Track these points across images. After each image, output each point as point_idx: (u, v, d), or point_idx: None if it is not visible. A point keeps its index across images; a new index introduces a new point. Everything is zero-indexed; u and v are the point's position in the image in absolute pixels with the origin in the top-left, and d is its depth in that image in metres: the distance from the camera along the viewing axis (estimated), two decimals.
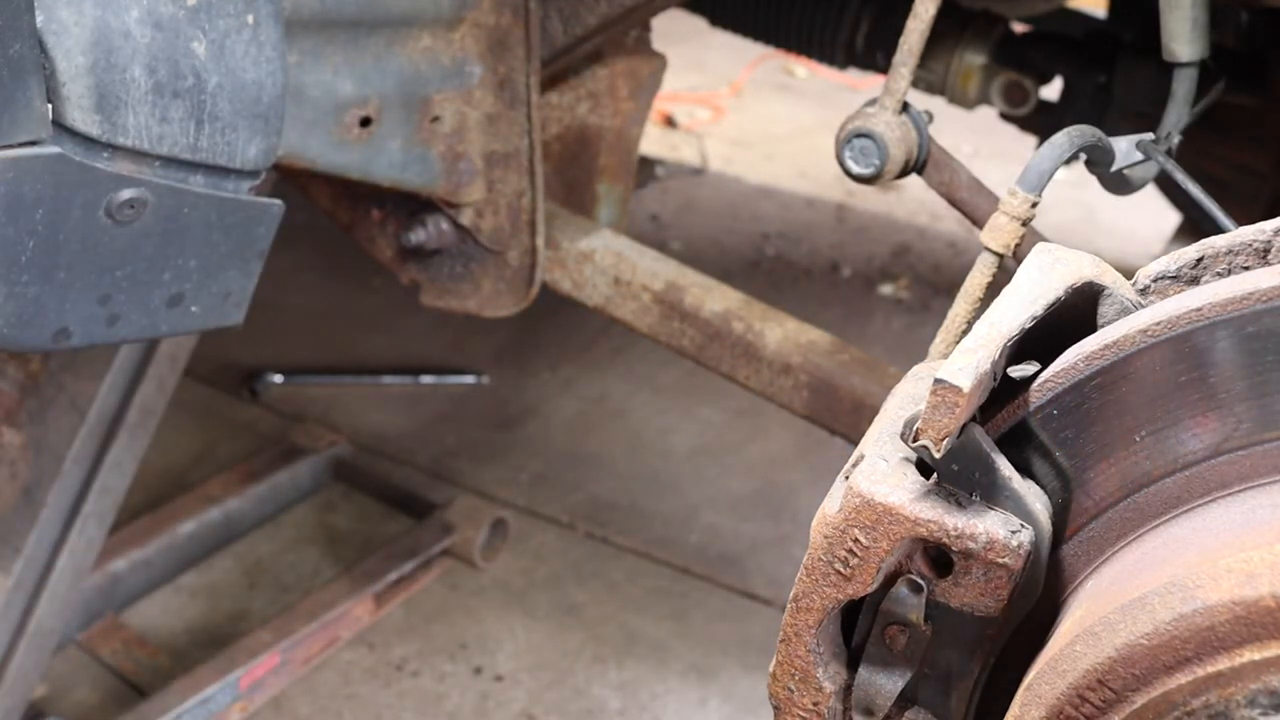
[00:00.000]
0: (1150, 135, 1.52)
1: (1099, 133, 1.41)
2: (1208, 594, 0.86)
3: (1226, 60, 2.19)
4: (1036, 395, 0.98)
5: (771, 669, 1.06)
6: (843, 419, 1.96)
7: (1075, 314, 1.00)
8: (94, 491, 2.17)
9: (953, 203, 1.71)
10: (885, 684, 1.03)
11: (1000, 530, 0.94)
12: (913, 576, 0.98)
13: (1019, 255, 1.35)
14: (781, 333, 2.00)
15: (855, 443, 1.31)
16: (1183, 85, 1.64)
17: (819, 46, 2.77)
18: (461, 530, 2.88)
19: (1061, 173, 1.39)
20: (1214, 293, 0.94)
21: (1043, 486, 0.99)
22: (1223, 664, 0.86)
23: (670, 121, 5.25)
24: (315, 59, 1.74)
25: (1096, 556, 1.00)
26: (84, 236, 1.34)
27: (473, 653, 2.67)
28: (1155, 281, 1.01)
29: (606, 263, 2.13)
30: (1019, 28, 2.75)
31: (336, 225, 2.20)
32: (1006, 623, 0.99)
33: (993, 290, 1.15)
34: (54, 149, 1.27)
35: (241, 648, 2.52)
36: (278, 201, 1.50)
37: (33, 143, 1.26)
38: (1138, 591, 0.90)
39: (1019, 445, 0.99)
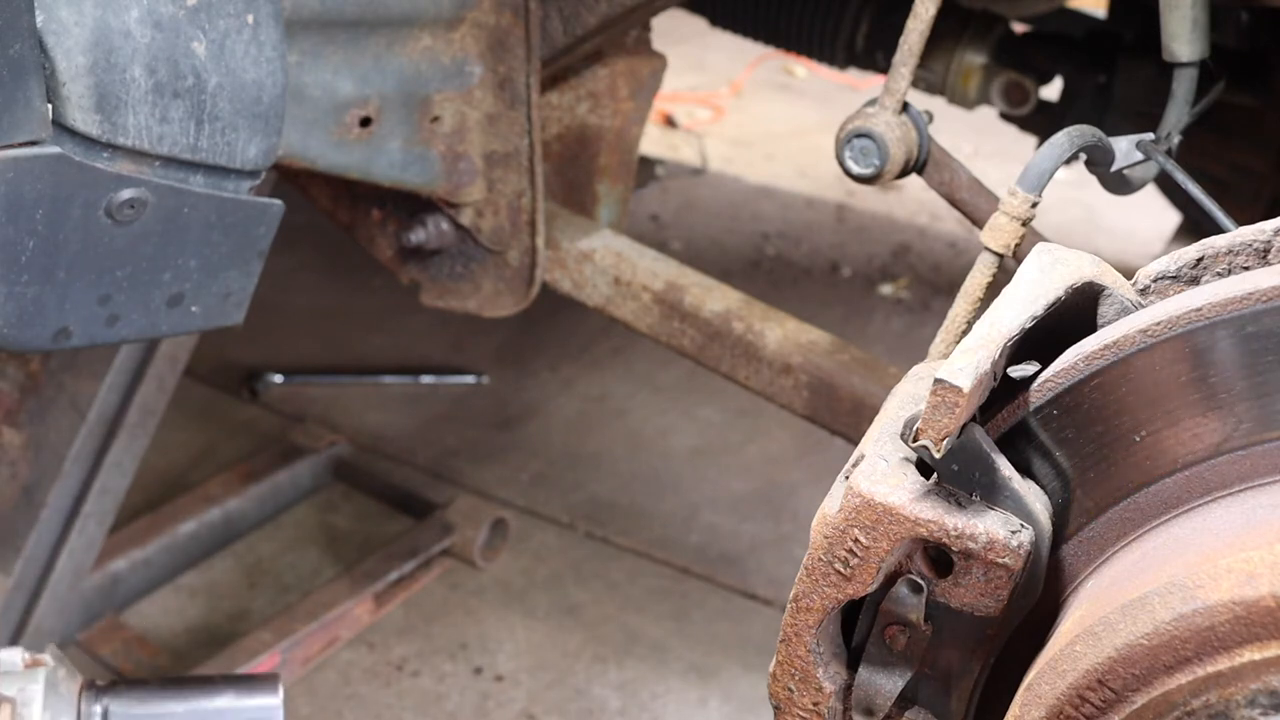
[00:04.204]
0: (1150, 135, 1.52)
1: (1099, 133, 1.41)
2: (1208, 594, 0.86)
3: (1226, 60, 2.19)
4: (1036, 395, 0.98)
5: (771, 669, 1.06)
6: (843, 419, 1.96)
7: (1075, 314, 1.00)
8: (94, 491, 2.17)
9: (953, 203, 1.71)
10: (885, 684, 1.03)
11: (1000, 530, 0.94)
12: (913, 576, 0.98)
13: (1019, 255, 1.35)
14: (781, 333, 2.00)
15: (855, 443, 1.31)
16: (1183, 85, 1.64)
17: (819, 46, 2.77)
18: (461, 530, 2.88)
19: (1061, 173, 1.39)
20: (1214, 293, 0.94)
21: (1043, 486, 0.99)
22: (1223, 664, 0.86)
23: (670, 121, 5.25)
24: (315, 59, 1.74)
25: (1096, 556, 1.00)
26: (84, 236, 1.34)
27: (473, 653, 2.67)
28: (1155, 281, 1.01)
29: (606, 263, 2.13)
30: (1019, 28, 2.75)
31: (336, 225, 2.21)
32: (1006, 623, 0.99)
33: (993, 290, 1.15)
34: (54, 149, 1.27)
35: (241, 648, 2.52)
36: (278, 201, 1.50)
37: (33, 143, 1.26)
38: (1138, 591, 0.90)
39: (1019, 445, 0.99)
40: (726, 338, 2.03)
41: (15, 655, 1.31)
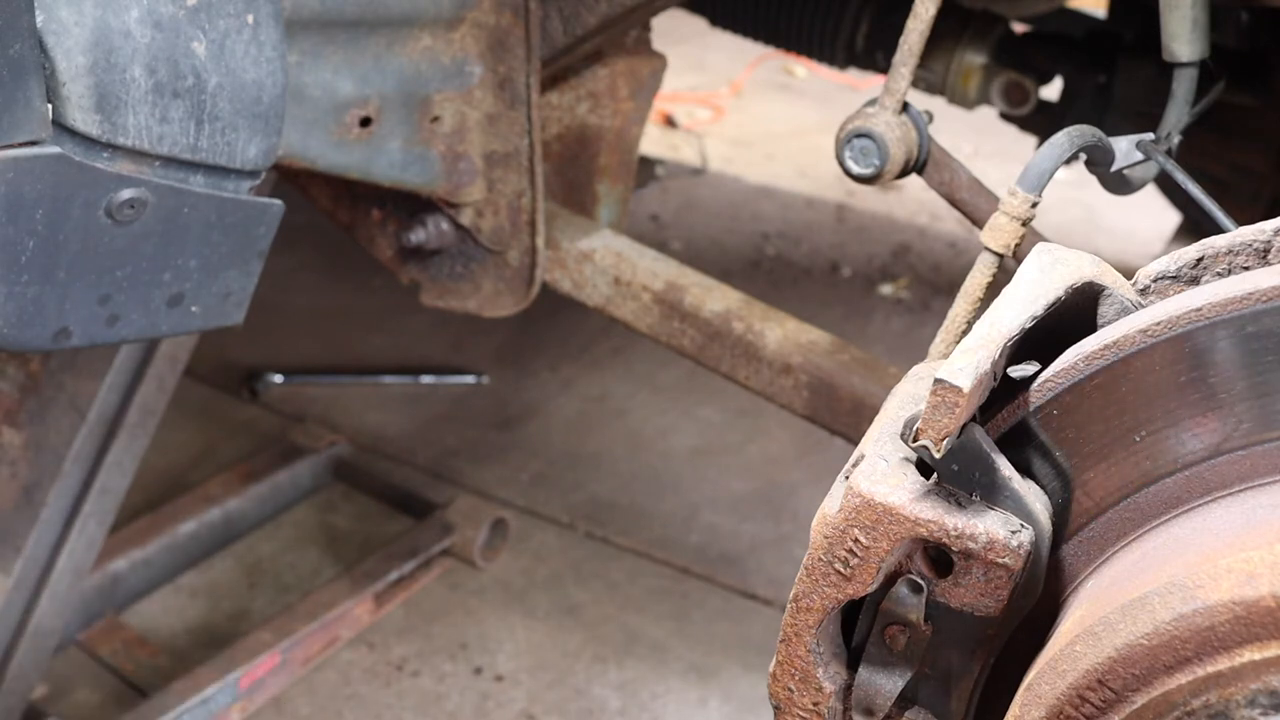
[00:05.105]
0: (1150, 135, 1.51)
1: (1099, 133, 1.41)
2: (1208, 594, 0.86)
3: (1226, 60, 2.19)
4: (1036, 395, 0.98)
5: (771, 669, 1.06)
6: (843, 419, 1.96)
7: (1075, 314, 1.00)
8: (94, 491, 2.17)
9: (953, 203, 1.71)
10: (885, 684, 1.03)
11: (1000, 530, 0.94)
12: (913, 576, 0.98)
13: (1019, 255, 1.35)
14: (781, 333, 2.00)
15: (855, 443, 1.31)
16: (1183, 85, 1.64)
17: (819, 46, 2.77)
18: (461, 530, 2.88)
19: (1061, 173, 1.39)
20: (1214, 293, 0.94)
21: (1043, 486, 0.99)
22: (1223, 664, 0.86)
23: (670, 121, 5.25)
24: (315, 59, 1.74)
25: (1096, 556, 1.00)
26: (84, 236, 1.34)
27: (473, 653, 2.67)
28: (1155, 281, 1.01)
29: (606, 263, 2.13)
30: (1019, 28, 2.75)
31: (336, 225, 2.20)
32: (1006, 623, 0.99)
33: (993, 290, 1.15)
34: (54, 149, 1.27)
35: (241, 648, 2.52)
36: (278, 201, 1.50)
37: (33, 143, 1.26)
38: (1138, 591, 0.90)
39: (1019, 445, 0.99)
40: (726, 338, 2.03)
41: None
